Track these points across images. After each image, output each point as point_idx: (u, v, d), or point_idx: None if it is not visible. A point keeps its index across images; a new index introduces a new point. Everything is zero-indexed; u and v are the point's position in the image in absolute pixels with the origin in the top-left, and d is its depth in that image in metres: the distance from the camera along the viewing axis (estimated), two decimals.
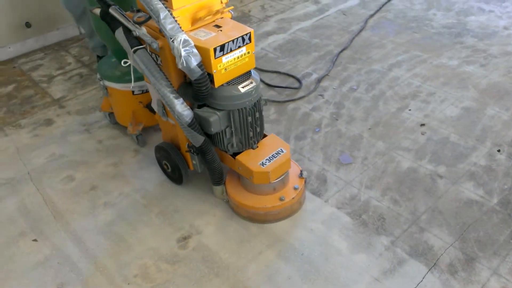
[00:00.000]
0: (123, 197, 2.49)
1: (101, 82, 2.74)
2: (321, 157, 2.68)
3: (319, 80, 3.36)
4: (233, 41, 1.96)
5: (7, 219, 2.40)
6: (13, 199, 2.52)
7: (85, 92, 3.39)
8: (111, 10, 2.06)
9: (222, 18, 2.11)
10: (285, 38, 3.96)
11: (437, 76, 3.35)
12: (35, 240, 2.28)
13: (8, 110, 3.25)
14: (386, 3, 4.48)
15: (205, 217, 2.34)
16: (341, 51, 3.72)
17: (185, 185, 2.52)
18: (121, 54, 2.55)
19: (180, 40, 1.83)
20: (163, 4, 1.85)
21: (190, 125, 2.04)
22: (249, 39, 2.02)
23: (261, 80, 3.26)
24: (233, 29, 2.01)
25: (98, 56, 3.49)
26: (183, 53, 1.83)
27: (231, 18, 2.13)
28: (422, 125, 2.82)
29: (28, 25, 3.86)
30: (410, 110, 3.02)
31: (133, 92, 2.67)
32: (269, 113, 3.06)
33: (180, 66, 1.88)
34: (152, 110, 2.58)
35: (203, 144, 2.13)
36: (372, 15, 4.25)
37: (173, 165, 2.43)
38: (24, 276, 2.12)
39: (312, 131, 2.89)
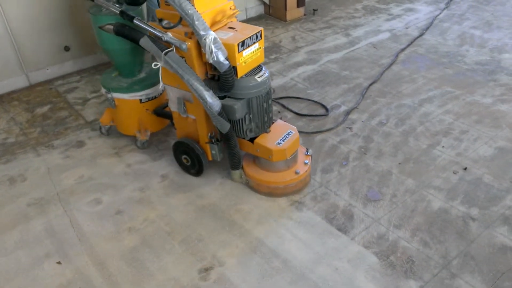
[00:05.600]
0: (147, 223, 2.50)
1: (109, 95, 2.92)
2: (348, 192, 2.63)
3: (347, 113, 3.34)
4: (250, 37, 2.32)
5: (34, 239, 2.43)
6: (41, 219, 2.56)
7: None
8: (135, 21, 2.39)
9: (231, 22, 2.46)
10: (315, 69, 3.98)
11: (470, 113, 3.27)
12: (59, 262, 2.29)
13: (43, 130, 3.35)
14: (417, 37, 4.46)
15: (228, 248, 2.32)
16: (371, 84, 3.70)
17: (210, 214, 2.52)
18: (126, 66, 2.92)
19: (211, 38, 2.17)
20: (195, 9, 2.16)
21: (219, 113, 2.34)
22: (260, 36, 2.40)
23: (289, 109, 3.44)
24: (246, 29, 2.38)
25: None
26: (214, 49, 2.17)
27: (237, 21, 2.50)
28: (465, 168, 2.74)
29: (67, 48, 4.02)
30: (443, 147, 2.95)
31: (140, 100, 2.92)
32: None
33: (211, 61, 2.20)
34: (160, 114, 2.97)
35: (229, 130, 2.42)
36: (403, 49, 4.24)
37: (193, 158, 2.70)
38: None
39: (339, 165, 2.85)
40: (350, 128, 3.20)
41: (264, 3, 5.12)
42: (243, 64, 2.34)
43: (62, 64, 4.07)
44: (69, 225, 2.51)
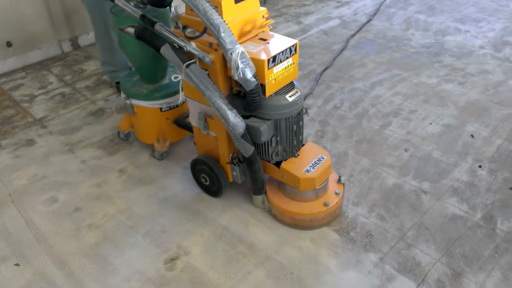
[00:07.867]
0: (107, 218, 2.44)
1: (128, 101, 2.70)
2: None
3: (303, 98, 3.40)
4: (282, 52, 2.03)
5: None
6: None
7: (68, 112, 3.35)
8: (156, 27, 2.13)
9: (263, 32, 2.19)
10: None
11: (417, 94, 3.44)
12: (17, 264, 2.20)
13: None
14: (366, 23, 4.61)
15: (193, 237, 2.32)
16: (324, 70, 3.79)
17: (173, 205, 2.50)
18: (147, 72, 2.68)
19: (238, 52, 1.89)
20: (222, 18, 1.91)
21: (242, 135, 2.08)
22: (295, 50, 2.11)
23: None
24: (280, 41, 2.08)
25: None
26: (240, 65, 1.89)
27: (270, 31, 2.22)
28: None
29: (9, 44, 3.81)
30: (392, 127, 3.08)
31: (161, 109, 2.69)
32: None
33: (236, 77, 1.93)
34: (181, 125, 2.72)
35: (252, 154, 2.17)
36: (353, 35, 4.36)
37: (213, 178, 2.45)
38: None
39: None
40: (306, 113, 3.27)
41: None
42: (273, 81, 2.04)
43: (4, 60, 3.86)
44: (25, 226, 2.41)
